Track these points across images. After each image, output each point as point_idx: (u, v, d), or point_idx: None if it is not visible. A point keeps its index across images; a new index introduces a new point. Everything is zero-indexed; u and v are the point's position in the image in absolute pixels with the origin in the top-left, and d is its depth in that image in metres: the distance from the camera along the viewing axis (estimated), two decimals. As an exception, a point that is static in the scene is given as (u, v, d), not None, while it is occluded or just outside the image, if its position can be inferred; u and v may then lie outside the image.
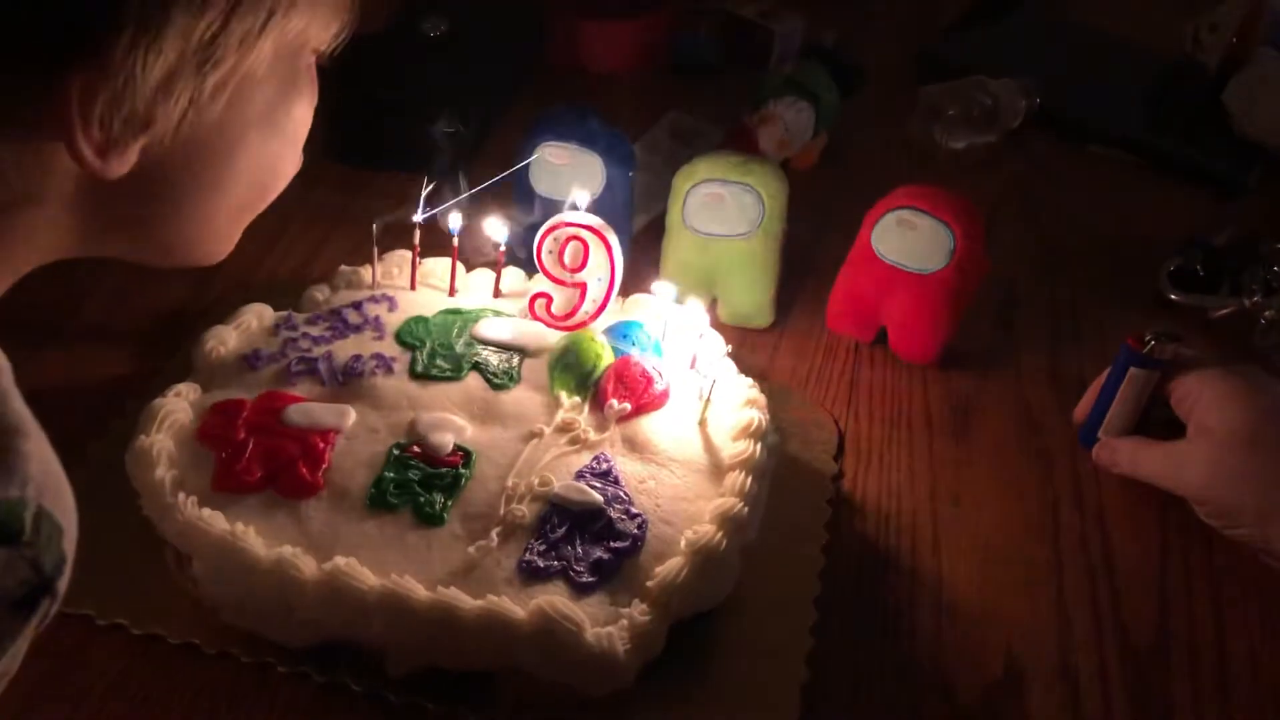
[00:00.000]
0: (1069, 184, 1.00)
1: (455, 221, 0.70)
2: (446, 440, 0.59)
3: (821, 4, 1.14)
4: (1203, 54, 1.09)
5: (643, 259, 0.78)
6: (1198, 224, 0.91)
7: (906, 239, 0.72)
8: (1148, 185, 1.00)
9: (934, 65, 1.09)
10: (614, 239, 0.66)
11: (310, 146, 0.51)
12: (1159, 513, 0.67)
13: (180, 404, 0.60)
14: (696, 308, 0.65)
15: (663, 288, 0.67)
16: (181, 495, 0.55)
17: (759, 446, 0.60)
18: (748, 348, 0.76)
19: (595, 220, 0.66)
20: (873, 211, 0.74)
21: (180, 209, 0.46)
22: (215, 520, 0.53)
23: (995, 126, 1.00)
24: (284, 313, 0.67)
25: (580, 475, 0.58)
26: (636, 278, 0.73)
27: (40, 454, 0.37)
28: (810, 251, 0.84)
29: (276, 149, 0.48)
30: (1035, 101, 1.02)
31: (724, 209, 0.75)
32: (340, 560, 0.52)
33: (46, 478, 0.37)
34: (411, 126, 0.91)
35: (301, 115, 0.49)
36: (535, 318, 0.68)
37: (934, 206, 0.71)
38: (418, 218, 0.69)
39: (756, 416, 0.62)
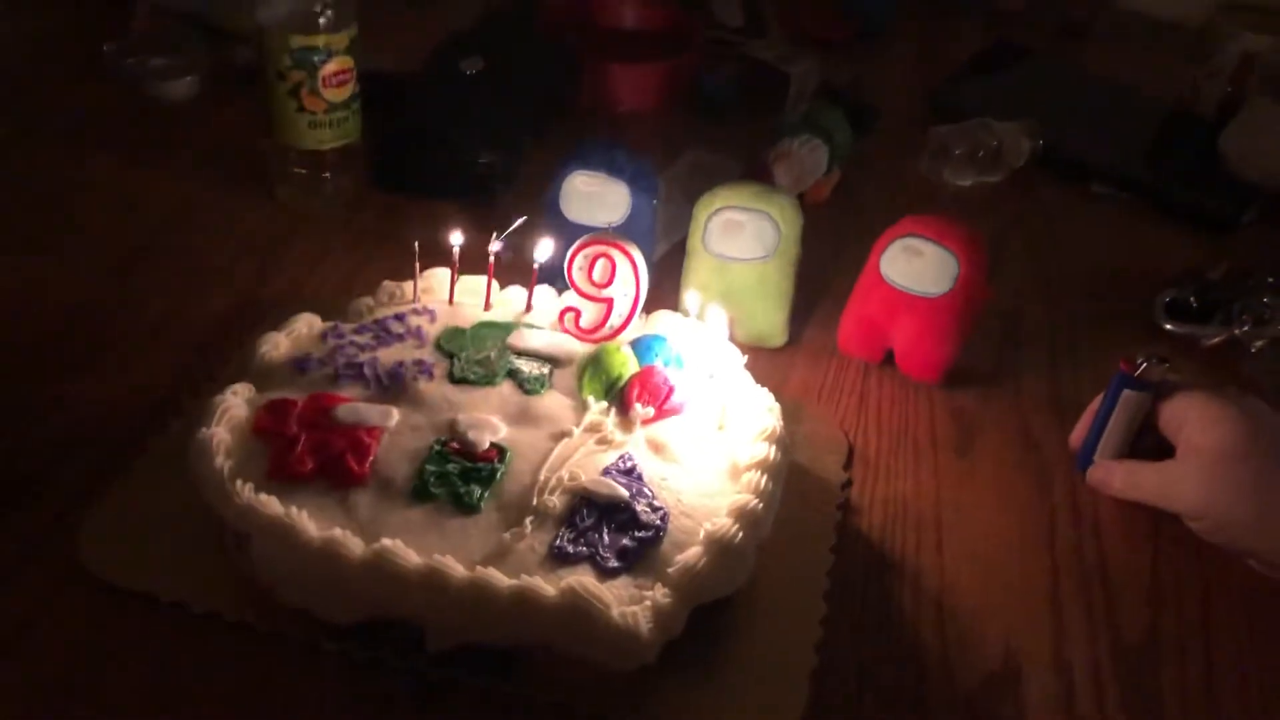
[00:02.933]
0: (1070, 221, 1.04)
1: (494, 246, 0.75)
2: (484, 438, 0.63)
3: (837, 49, 1.20)
4: (1201, 101, 1.15)
5: (663, 282, 0.83)
6: (1193, 260, 0.96)
7: (913, 265, 0.77)
8: (1146, 223, 1.05)
9: (944, 108, 1.14)
10: (639, 256, 0.71)
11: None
12: (1151, 525, 0.71)
13: (237, 401, 0.64)
14: (719, 318, 0.70)
15: (690, 298, 0.72)
16: (239, 481, 0.59)
17: (774, 449, 0.64)
18: (763, 365, 0.80)
19: (622, 238, 0.71)
20: (882, 239, 0.78)
21: None
22: (271, 504, 0.58)
23: (1000, 166, 1.06)
24: (331, 322, 0.72)
25: (607, 472, 0.62)
26: (657, 300, 0.77)
27: None
28: (822, 279, 0.88)
29: None
30: (1039, 144, 1.07)
31: (742, 234, 0.80)
32: (386, 541, 0.56)
33: None
34: (448, 158, 0.97)
35: None
36: (565, 330, 0.72)
37: (939, 234, 0.76)
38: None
39: (773, 422, 0.66)
